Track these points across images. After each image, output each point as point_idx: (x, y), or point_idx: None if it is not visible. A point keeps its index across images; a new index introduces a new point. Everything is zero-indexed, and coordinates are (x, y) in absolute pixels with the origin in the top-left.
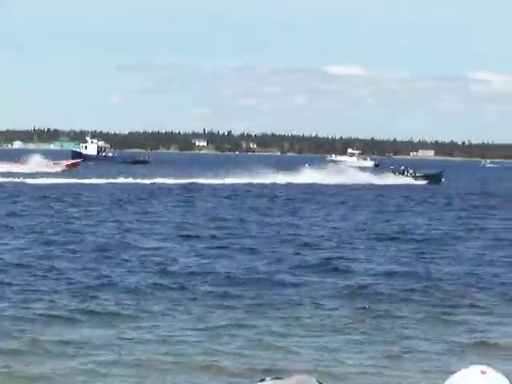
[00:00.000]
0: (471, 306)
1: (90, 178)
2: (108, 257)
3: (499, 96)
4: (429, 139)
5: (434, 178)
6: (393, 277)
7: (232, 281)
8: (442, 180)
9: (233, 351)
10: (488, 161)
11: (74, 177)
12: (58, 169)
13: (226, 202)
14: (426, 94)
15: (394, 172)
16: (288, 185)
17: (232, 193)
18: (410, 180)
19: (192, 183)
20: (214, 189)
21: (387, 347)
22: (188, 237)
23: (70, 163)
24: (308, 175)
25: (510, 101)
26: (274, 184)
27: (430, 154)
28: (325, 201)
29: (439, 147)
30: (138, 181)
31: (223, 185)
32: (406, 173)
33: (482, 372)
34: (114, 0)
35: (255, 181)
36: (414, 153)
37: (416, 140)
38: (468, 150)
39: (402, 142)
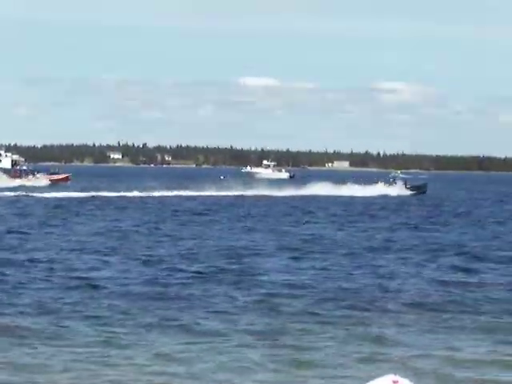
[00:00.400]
0: (381, 316)
1: None
2: None
3: (409, 106)
4: (344, 150)
5: (419, 189)
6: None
7: (140, 296)
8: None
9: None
10: (399, 171)
11: None
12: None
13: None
14: (338, 105)
15: (386, 183)
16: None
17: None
18: (398, 191)
19: (94, 196)
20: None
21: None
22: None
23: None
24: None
25: (420, 111)
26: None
27: (345, 165)
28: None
29: (354, 158)
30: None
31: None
32: (395, 183)
33: (394, 382)
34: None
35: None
36: (330, 164)
37: (331, 151)
38: (383, 160)
39: (317, 153)
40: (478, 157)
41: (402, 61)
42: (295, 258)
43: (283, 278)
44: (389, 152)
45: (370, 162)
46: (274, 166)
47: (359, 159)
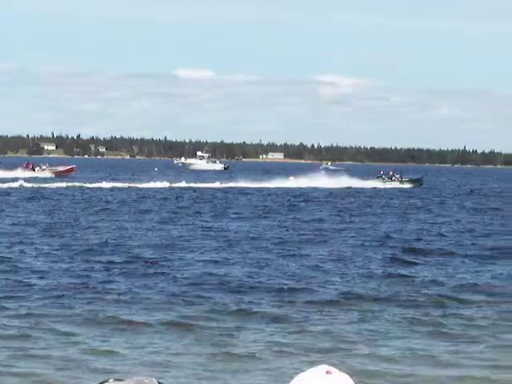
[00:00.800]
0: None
1: None
2: None
3: (347, 99)
4: (278, 142)
5: (417, 182)
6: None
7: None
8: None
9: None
10: (329, 163)
11: None
12: None
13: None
14: (274, 98)
15: (381, 177)
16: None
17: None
18: (396, 184)
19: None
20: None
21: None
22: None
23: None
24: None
25: (357, 103)
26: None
27: (279, 156)
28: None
29: (289, 150)
30: None
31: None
32: (393, 177)
33: (327, 372)
34: None
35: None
36: (264, 155)
37: (265, 143)
38: (318, 152)
39: (251, 144)
40: (413, 149)
41: (340, 53)
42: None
43: (202, 270)
44: (324, 144)
45: (305, 154)
46: (208, 157)
47: (294, 151)
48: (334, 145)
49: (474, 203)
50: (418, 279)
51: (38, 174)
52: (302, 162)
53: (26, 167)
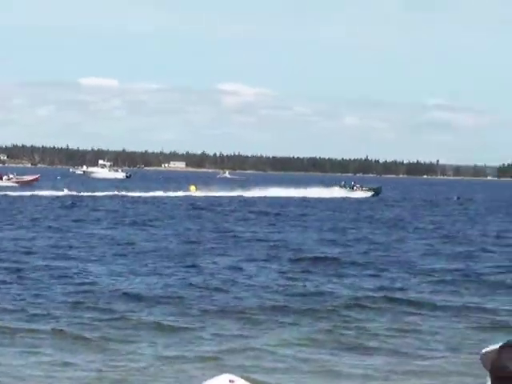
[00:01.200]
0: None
1: None
2: None
3: (249, 108)
4: (180, 151)
5: (376, 191)
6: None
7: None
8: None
9: None
10: (227, 172)
11: None
12: None
13: None
14: (177, 106)
15: (344, 186)
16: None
17: None
18: (359, 193)
19: None
20: None
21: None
22: None
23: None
24: None
25: (259, 112)
26: None
27: (181, 165)
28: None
29: (190, 158)
30: None
31: None
32: (354, 187)
33: (230, 381)
34: None
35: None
36: (166, 164)
37: (167, 151)
38: (220, 161)
39: (153, 153)
40: (315, 158)
41: (243, 62)
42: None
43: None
44: (226, 153)
45: (207, 163)
46: (110, 165)
47: (196, 160)
48: (236, 154)
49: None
50: (313, 289)
51: (3, 183)
52: (204, 170)
53: None
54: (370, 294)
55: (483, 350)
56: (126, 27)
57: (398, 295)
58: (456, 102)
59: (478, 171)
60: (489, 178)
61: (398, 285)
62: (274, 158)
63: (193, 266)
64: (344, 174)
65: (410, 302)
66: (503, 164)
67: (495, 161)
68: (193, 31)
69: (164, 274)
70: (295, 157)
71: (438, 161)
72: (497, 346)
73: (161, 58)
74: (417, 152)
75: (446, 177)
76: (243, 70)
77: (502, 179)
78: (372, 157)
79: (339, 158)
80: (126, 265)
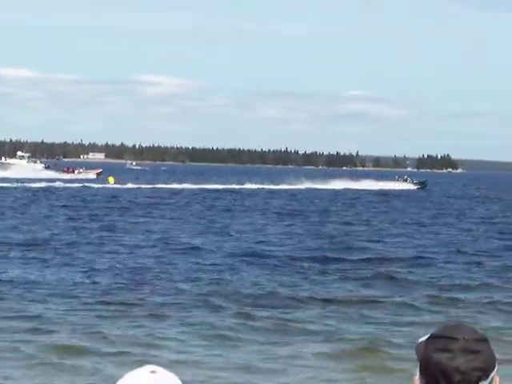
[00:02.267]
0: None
1: None
2: None
3: (169, 99)
4: (99, 142)
5: (423, 185)
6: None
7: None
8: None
9: None
10: (134, 163)
11: None
12: None
13: None
14: (97, 97)
15: (399, 179)
16: None
17: None
18: (411, 185)
19: None
20: None
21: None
22: None
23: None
24: None
25: (179, 103)
26: None
27: (100, 156)
28: None
29: (110, 150)
30: None
31: None
32: (407, 180)
33: (152, 372)
34: None
35: None
36: (85, 155)
37: (86, 143)
38: (139, 152)
39: (72, 144)
40: (234, 149)
41: (163, 53)
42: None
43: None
44: (145, 144)
45: (126, 154)
46: (28, 157)
47: (115, 151)
48: (156, 145)
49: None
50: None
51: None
52: (123, 161)
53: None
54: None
55: (418, 341)
56: (45, 18)
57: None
58: (376, 94)
59: (397, 162)
60: (408, 169)
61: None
62: (193, 149)
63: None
64: (264, 166)
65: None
66: (422, 155)
67: (415, 152)
68: (114, 23)
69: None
70: (214, 148)
71: (357, 152)
72: (424, 338)
73: (80, 49)
74: (337, 143)
75: (365, 168)
76: (163, 62)
77: (420, 170)
78: (292, 148)
79: (258, 149)
80: None
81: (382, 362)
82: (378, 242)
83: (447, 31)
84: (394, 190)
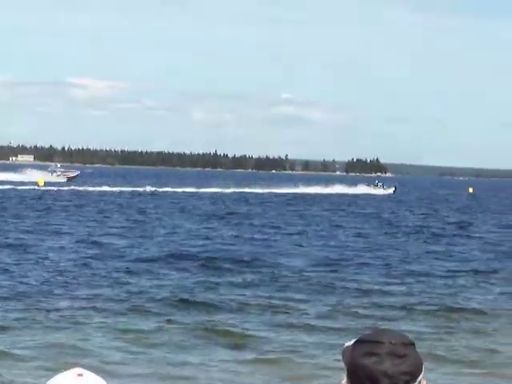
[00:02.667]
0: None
1: None
2: None
3: (100, 101)
4: (28, 144)
5: (395, 189)
6: None
7: None
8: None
9: None
10: (59, 165)
11: None
12: None
13: None
14: (26, 99)
15: (376, 185)
16: None
17: None
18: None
19: None
20: None
21: None
22: None
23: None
24: None
25: (110, 106)
26: None
27: (29, 159)
28: None
29: (39, 152)
30: None
31: None
32: (378, 185)
33: (79, 374)
34: None
35: None
36: (14, 158)
37: (15, 145)
38: (68, 154)
39: (0, 146)
40: (164, 152)
41: (94, 55)
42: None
43: None
44: (75, 147)
45: (55, 157)
46: None
47: (44, 153)
48: (86, 148)
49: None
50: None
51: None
52: (52, 163)
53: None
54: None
55: (344, 346)
56: None
57: None
58: (306, 98)
59: (326, 166)
60: (337, 172)
61: None
62: (122, 152)
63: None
64: (194, 169)
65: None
66: (352, 159)
67: (344, 156)
68: (44, 24)
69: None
70: (144, 151)
71: (286, 155)
72: (351, 342)
73: (10, 50)
74: (266, 147)
75: (294, 171)
76: (94, 64)
77: (350, 174)
78: (221, 151)
79: (188, 152)
80: None
81: (299, 369)
82: (301, 246)
83: (379, 35)
84: (369, 194)
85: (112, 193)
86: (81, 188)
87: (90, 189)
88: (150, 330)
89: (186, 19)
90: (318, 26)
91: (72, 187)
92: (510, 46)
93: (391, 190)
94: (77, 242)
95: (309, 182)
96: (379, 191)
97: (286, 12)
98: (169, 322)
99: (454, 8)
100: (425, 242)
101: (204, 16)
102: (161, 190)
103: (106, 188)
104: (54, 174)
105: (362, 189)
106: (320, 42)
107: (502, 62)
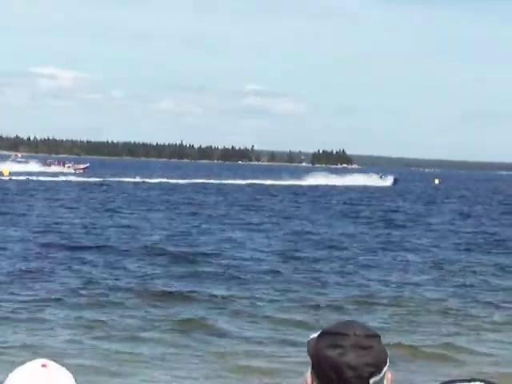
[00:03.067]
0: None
1: None
2: None
3: (65, 92)
4: None
5: (396, 181)
6: None
7: None
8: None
9: None
10: (20, 155)
11: None
12: None
13: None
14: None
15: (381, 177)
16: None
17: None
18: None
19: None
20: None
21: None
22: None
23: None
24: None
25: (75, 96)
26: None
27: None
28: None
29: (4, 142)
30: None
31: None
32: (382, 177)
33: (43, 365)
34: None
35: None
36: None
37: None
38: (34, 145)
39: None
40: (130, 143)
41: (59, 46)
42: None
43: None
44: (40, 137)
45: (21, 147)
46: None
47: (10, 143)
48: (51, 138)
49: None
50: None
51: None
52: (18, 154)
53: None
54: None
55: (309, 338)
56: None
57: None
58: (272, 89)
59: (292, 157)
60: (303, 164)
61: None
62: (88, 142)
63: None
64: (160, 159)
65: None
66: (318, 150)
67: (310, 147)
68: (9, 15)
69: None
70: (110, 141)
71: (253, 146)
72: (316, 334)
73: None
74: (232, 137)
75: (260, 162)
76: (59, 55)
77: (316, 165)
78: (187, 142)
79: (154, 142)
80: None
81: (250, 362)
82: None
83: (340, 27)
84: (374, 186)
85: (76, 183)
86: (43, 178)
87: (47, 179)
88: (107, 321)
89: (149, 11)
90: (279, 19)
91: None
92: (469, 35)
93: (389, 182)
94: (42, 232)
95: (279, 173)
96: (376, 182)
97: (251, 3)
98: (124, 313)
99: None
100: (385, 232)
101: (169, 7)
102: (125, 179)
103: (72, 178)
104: (66, 166)
105: (357, 179)
106: (282, 35)
107: (463, 54)
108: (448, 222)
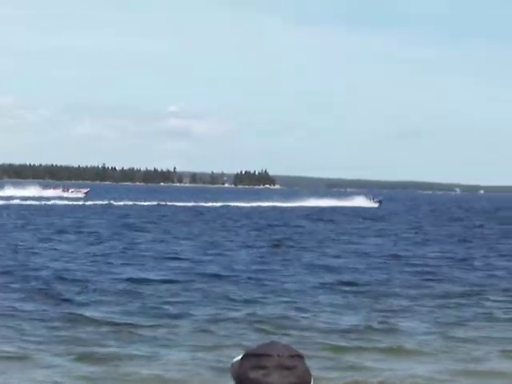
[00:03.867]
0: None
1: None
2: None
3: None
4: None
5: (380, 202)
6: None
7: None
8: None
9: None
10: None
11: None
12: None
13: None
14: None
15: (369, 199)
16: None
17: None
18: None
19: None
20: None
21: None
22: None
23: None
24: None
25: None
26: None
27: None
28: None
29: None
30: None
31: None
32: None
33: None
34: None
35: None
36: None
37: None
38: None
39: None
40: (52, 166)
41: None
42: None
43: None
44: None
45: None
46: None
47: None
48: None
49: None
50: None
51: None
52: None
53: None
54: None
55: (233, 361)
56: None
57: None
58: (194, 110)
59: (215, 178)
60: (226, 185)
61: None
62: (10, 165)
63: None
64: (83, 182)
65: None
66: (240, 171)
67: (232, 168)
68: None
69: None
70: (31, 164)
71: (175, 168)
72: (239, 357)
73: None
74: (154, 159)
75: (182, 184)
76: None
77: (238, 186)
78: (109, 164)
79: (76, 165)
80: None
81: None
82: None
83: (262, 46)
84: (361, 207)
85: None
86: None
87: None
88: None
89: (74, 32)
90: (201, 36)
91: None
92: (402, 57)
93: (376, 204)
94: None
95: (205, 194)
96: (369, 204)
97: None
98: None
99: (329, 19)
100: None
101: (89, 25)
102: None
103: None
104: (70, 191)
105: (356, 202)
106: (205, 54)
107: (393, 74)
108: (371, 242)
